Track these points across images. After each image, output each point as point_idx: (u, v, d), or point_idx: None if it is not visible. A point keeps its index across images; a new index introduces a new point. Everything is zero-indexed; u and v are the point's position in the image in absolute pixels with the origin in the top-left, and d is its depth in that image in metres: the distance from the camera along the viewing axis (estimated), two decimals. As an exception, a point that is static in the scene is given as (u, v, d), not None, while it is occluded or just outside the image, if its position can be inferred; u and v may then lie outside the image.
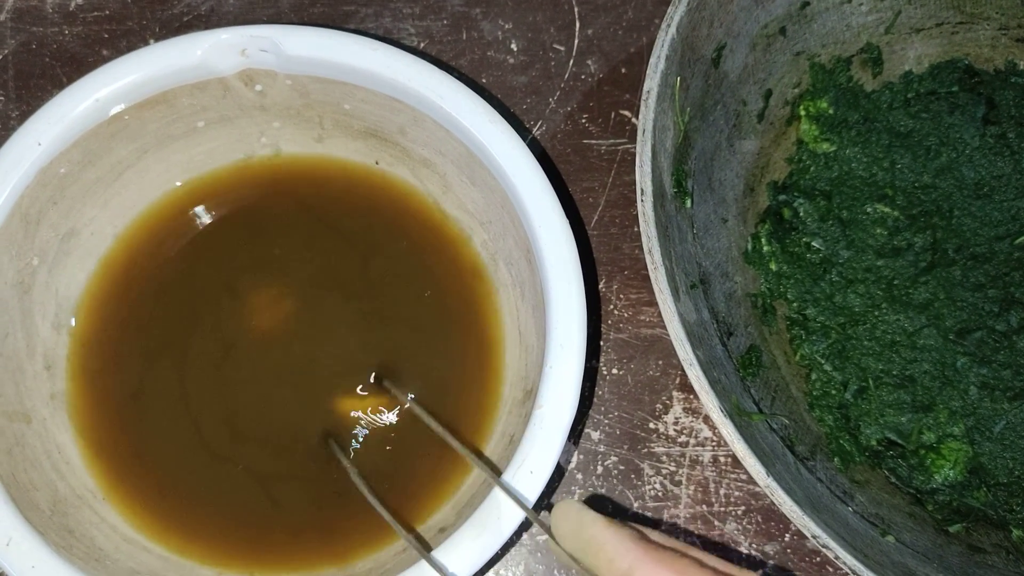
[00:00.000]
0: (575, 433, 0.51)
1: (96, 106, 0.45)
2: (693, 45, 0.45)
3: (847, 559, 0.38)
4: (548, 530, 0.37)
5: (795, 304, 0.50)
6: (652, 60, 0.43)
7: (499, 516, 0.40)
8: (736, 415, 0.41)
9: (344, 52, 0.45)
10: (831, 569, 0.49)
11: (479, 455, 0.45)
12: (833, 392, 0.48)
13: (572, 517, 0.36)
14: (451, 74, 0.50)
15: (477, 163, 0.46)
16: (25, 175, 0.43)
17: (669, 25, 0.43)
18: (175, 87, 0.46)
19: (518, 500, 0.39)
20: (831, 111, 0.52)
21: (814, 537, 0.38)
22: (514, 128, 0.55)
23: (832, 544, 0.38)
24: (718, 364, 0.43)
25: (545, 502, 0.50)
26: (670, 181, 0.45)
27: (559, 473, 0.50)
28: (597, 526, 0.35)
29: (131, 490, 0.47)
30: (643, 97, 0.43)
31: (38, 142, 0.44)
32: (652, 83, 0.43)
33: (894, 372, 0.48)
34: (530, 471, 0.40)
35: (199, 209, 0.51)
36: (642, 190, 0.41)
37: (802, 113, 0.52)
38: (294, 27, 0.45)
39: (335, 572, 0.45)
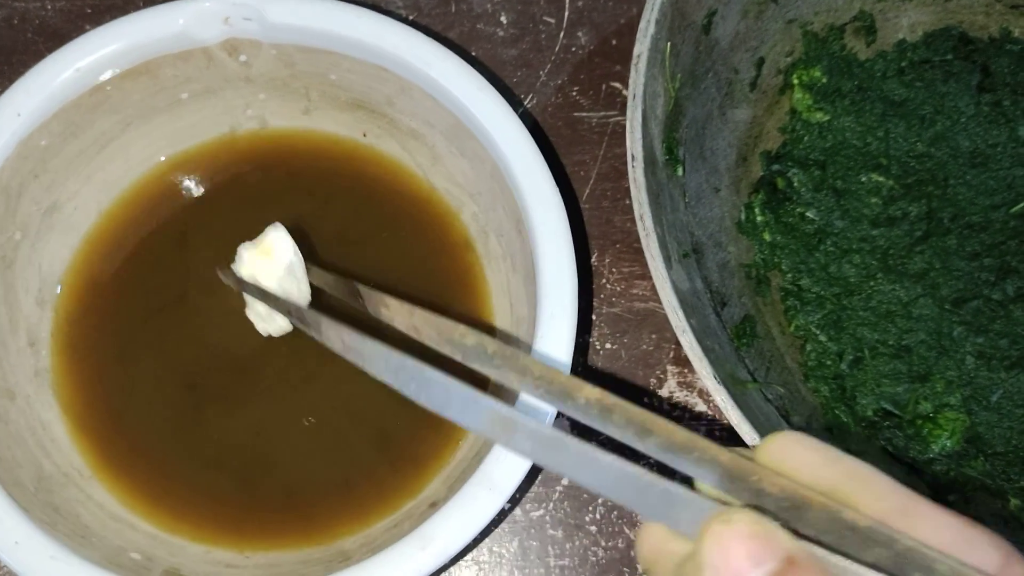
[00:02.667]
0: (568, 408, 0.50)
1: (77, 76, 0.44)
2: (683, 11, 0.45)
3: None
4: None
5: (789, 275, 0.49)
6: (642, 24, 0.42)
7: (491, 487, 0.39)
8: (730, 384, 0.41)
9: (329, 19, 0.44)
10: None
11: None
12: (828, 363, 0.48)
13: (813, 445, 0.30)
14: (440, 46, 0.50)
15: (466, 133, 0.45)
16: (5, 146, 0.43)
17: (659, -11, 0.43)
18: (157, 57, 0.45)
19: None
20: (824, 80, 0.51)
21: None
22: (506, 101, 0.54)
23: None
24: (711, 334, 0.43)
25: (538, 476, 0.49)
26: (661, 148, 0.44)
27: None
28: (852, 460, 0.29)
29: (118, 468, 0.46)
30: (633, 62, 0.42)
31: (17, 113, 0.43)
32: (642, 47, 0.42)
33: (890, 342, 0.48)
34: (522, 441, 0.39)
35: (185, 183, 0.50)
36: (633, 156, 0.41)
37: (795, 82, 0.51)
38: (278, -6, 0.45)
39: (325, 549, 0.44)
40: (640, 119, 0.41)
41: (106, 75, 0.44)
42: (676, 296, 0.39)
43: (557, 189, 0.43)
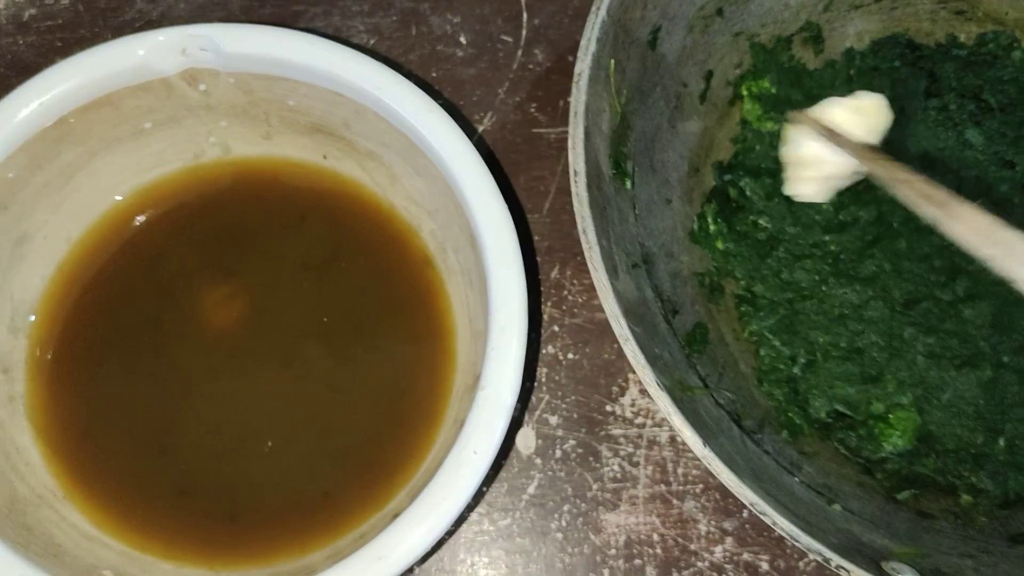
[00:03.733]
0: (533, 419, 0.51)
1: (40, 110, 0.45)
2: (627, 28, 0.46)
3: (784, 524, 0.38)
4: None
5: (743, 281, 0.50)
6: (583, 42, 0.44)
7: (445, 496, 0.40)
8: (678, 390, 0.42)
9: (282, 47, 0.46)
10: (790, 542, 0.49)
11: None
12: (782, 367, 0.49)
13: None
14: (400, 70, 0.51)
15: (419, 152, 0.46)
16: (-29, 180, 0.44)
17: (599, 8, 0.44)
18: (119, 89, 0.46)
19: None
20: (774, 90, 0.52)
21: (751, 504, 0.38)
22: (464, 120, 0.56)
23: (769, 511, 0.38)
24: (661, 341, 0.44)
25: (492, 483, 0.50)
26: (608, 163, 0.45)
27: (517, 458, 0.51)
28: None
29: (91, 489, 0.47)
30: (574, 80, 0.43)
31: (-18, 147, 0.44)
32: (583, 65, 0.43)
33: (842, 345, 0.48)
34: (474, 451, 0.41)
35: (152, 211, 0.51)
36: (575, 171, 0.42)
37: (745, 93, 0.52)
38: (232, 25, 0.46)
39: (294, 562, 0.45)
40: (582, 135, 0.42)
41: (69, 108, 0.46)
42: (619, 305, 0.40)
43: (504, 203, 0.44)
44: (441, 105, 0.46)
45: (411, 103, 0.45)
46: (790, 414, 0.47)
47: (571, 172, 0.42)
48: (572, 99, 0.43)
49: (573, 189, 0.42)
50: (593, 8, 0.44)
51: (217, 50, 0.46)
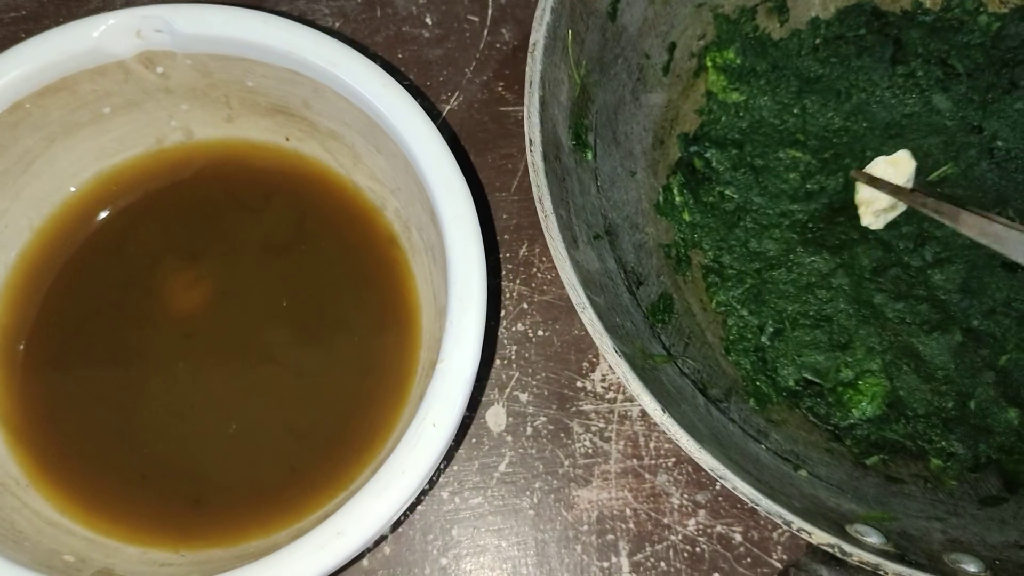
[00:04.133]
0: (503, 397, 0.51)
1: (-6, 95, 0.45)
2: (584, -1, 0.46)
3: (744, 489, 0.38)
4: None
5: (711, 252, 0.50)
6: (537, 12, 0.43)
7: (404, 470, 0.40)
8: (639, 358, 0.41)
9: (236, 27, 0.45)
10: (763, 513, 0.49)
11: None
12: (750, 336, 0.48)
13: None
14: (366, 52, 0.51)
15: (378, 130, 0.46)
16: (-74, 166, 0.44)
17: (554, -22, 0.44)
18: (74, 73, 0.46)
19: None
20: (739, 61, 0.52)
21: (711, 470, 0.38)
22: (431, 100, 0.56)
23: (729, 475, 0.38)
24: (623, 311, 0.44)
25: (463, 461, 0.50)
26: (567, 134, 0.45)
27: (488, 436, 0.50)
28: None
29: (55, 476, 0.47)
30: (529, 50, 0.43)
31: (-63, 134, 0.44)
32: (538, 35, 0.43)
33: (810, 313, 0.48)
34: (433, 424, 0.40)
35: (115, 197, 0.51)
36: (530, 140, 0.42)
37: (709, 64, 0.52)
38: (186, 5, 0.46)
39: (259, 543, 0.45)
40: (538, 104, 0.42)
41: (23, 93, 0.45)
42: (576, 274, 0.40)
43: (462, 176, 0.43)
44: (407, 86, 0.46)
45: (367, 79, 0.45)
46: (758, 383, 0.47)
47: (526, 141, 0.42)
48: (527, 69, 0.43)
49: (529, 159, 0.41)
50: (547, -22, 0.44)
51: (172, 31, 0.46)
